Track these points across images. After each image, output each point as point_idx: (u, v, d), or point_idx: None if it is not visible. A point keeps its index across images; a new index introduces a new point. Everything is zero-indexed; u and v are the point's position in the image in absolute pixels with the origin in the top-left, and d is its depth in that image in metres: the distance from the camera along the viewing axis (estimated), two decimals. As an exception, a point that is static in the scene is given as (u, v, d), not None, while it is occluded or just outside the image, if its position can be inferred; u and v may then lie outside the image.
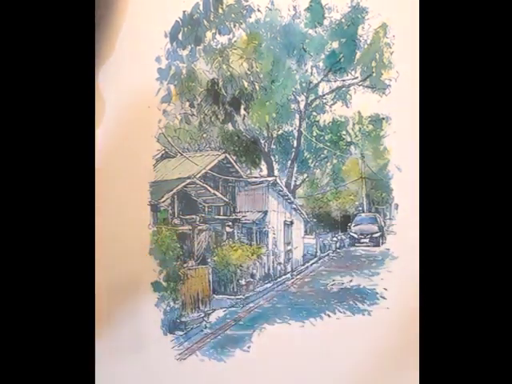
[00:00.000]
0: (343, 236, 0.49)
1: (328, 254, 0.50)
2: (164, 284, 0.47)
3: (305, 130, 0.47)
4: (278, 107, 0.47)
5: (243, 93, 0.47)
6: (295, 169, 0.48)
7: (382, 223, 0.47)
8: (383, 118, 0.46)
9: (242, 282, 0.49)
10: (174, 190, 0.49)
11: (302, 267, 0.50)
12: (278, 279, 0.50)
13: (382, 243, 0.47)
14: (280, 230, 0.52)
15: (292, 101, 0.47)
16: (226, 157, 0.49)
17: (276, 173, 0.49)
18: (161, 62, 0.48)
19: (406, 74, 0.44)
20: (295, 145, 0.48)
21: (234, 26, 0.47)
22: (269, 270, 0.50)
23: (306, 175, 0.48)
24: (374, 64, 0.45)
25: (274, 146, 0.48)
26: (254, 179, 0.49)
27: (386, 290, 0.45)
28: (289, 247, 0.51)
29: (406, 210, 0.45)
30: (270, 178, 0.49)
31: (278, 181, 0.49)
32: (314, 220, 0.49)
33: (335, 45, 0.46)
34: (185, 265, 0.48)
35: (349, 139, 0.47)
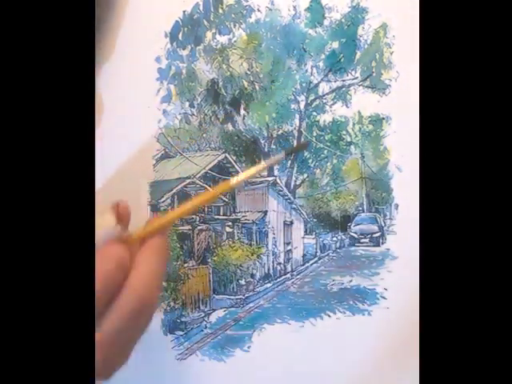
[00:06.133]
0: (343, 236, 0.49)
1: (328, 254, 0.50)
2: (164, 284, 0.47)
3: (305, 130, 0.47)
4: (278, 107, 0.47)
5: (243, 93, 0.47)
6: (295, 169, 0.48)
7: (382, 223, 0.47)
8: (383, 118, 0.46)
9: (242, 282, 0.49)
10: (174, 190, 0.49)
11: (302, 267, 0.50)
12: (278, 279, 0.50)
13: (382, 243, 0.47)
14: (280, 230, 0.52)
15: (292, 101, 0.47)
16: (225, 157, 0.49)
17: (276, 173, 0.49)
18: (161, 62, 0.48)
19: (406, 73, 0.44)
20: (295, 145, 0.48)
21: (234, 26, 0.47)
22: (269, 270, 0.50)
23: (306, 175, 0.48)
24: (374, 64, 0.45)
25: (274, 146, 0.48)
26: (253, 179, 0.49)
27: (386, 290, 0.45)
28: (289, 247, 0.51)
29: (406, 210, 0.45)
30: (269, 178, 0.49)
31: (278, 181, 0.49)
32: (314, 220, 0.49)
33: (335, 45, 0.46)
34: (185, 265, 0.48)
35: (349, 139, 0.47)
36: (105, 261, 0.31)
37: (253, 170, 0.35)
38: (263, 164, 0.36)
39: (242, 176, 0.35)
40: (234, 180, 0.35)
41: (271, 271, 0.50)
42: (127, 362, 0.34)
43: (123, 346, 0.33)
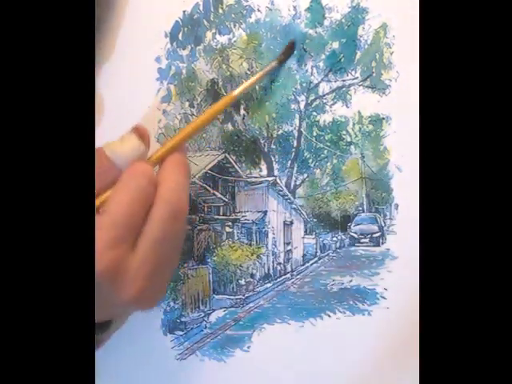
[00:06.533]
0: (343, 236, 0.49)
1: (328, 254, 0.50)
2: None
3: (305, 130, 0.47)
4: (278, 107, 0.47)
5: (243, 93, 0.47)
6: (295, 169, 0.48)
7: (382, 223, 0.47)
8: (383, 118, 0.45)
9: (242, 282, 0.49)
10: (174, 190, 0.49)
11: (302, 267, 0.50)
12: (278, 279, 0.50)
13: (382, 243, 0.47)
14: (280, 230, 0.52)
15: (292, 101, 0.47)
16: (225, 157, 0.49)
17: (276, 173, 0.49)
18: (161, 62, 0.48)
19: (406, 73, 0.44)
20: (295, 145, 0.48)
21: (234, 26, 0.47)
22: (268, 270, 0.50)
23: (306, 175, 0.48)
24: (374, 64, 0.45)
25: (274, 146, 0.48)
26: (253, 179, 0.49)
27: (386, 290, 0.45)
28: (289, 247, 0.51)
29: (406, 210, 0.45)
30: (269, 178, 0.49)
31: (278, 181, 0.49)
32: (314, 220, 0.49)
33: (335, 45, 0.46)
34: (185, 265, 0.48)
35: (349, 139, 0.47)
36: (137, 177, 0.32)
37: (252, 80, 0.42)
38: (260, 73, 0.42)
39: (243, 86, 0.41)
40: (236, 91, 0.40)
41: (271, 271, 0.50)
42: (165, 294, 0.34)
43: (162, 267, 0.33)
